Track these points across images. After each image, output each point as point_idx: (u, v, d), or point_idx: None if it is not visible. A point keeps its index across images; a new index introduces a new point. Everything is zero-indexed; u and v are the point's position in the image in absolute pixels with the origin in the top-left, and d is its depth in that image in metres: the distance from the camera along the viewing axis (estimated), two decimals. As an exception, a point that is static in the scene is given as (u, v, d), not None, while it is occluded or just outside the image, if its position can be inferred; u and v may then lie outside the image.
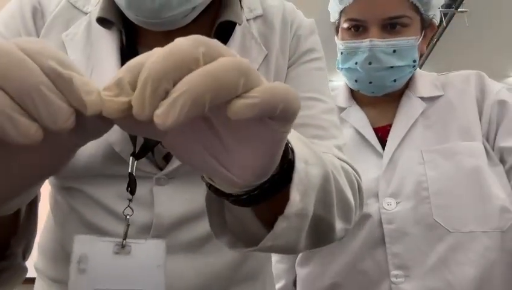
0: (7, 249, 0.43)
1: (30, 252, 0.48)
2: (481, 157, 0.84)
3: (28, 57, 0.22)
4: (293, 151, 0.36)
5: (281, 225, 0.37)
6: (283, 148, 0.31)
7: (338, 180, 0.47)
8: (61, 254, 0.59)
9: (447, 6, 3.52)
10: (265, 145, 0.28)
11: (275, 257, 1.01)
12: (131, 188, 0.45)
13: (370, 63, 0.90)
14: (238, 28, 0.58)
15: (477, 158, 0.83)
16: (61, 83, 0.23)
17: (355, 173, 0.56)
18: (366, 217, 0.85)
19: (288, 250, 0.43)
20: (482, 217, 0.80)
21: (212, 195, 0.37)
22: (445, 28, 3.68)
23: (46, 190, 0.55)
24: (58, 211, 0.60)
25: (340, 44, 0.95)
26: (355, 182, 0.54)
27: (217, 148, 0.28)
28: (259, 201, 0.35)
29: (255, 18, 0.63)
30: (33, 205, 0.45)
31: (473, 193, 0.81)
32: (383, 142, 0.91)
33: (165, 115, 0.22)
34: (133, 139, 0.50)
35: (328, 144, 0.56)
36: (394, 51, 0.89)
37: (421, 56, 0.97)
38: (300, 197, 0.37)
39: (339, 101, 1.01)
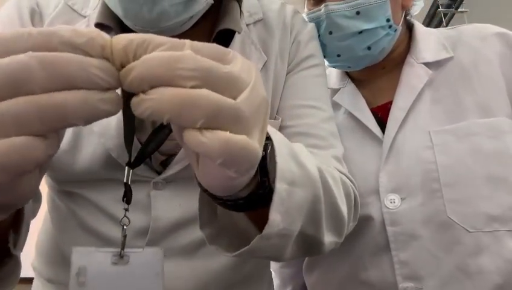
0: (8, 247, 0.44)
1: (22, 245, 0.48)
2: (506, 136, 0.69)
3: (58, 53, 0.24)
4: (274, 173, 0.37)
5: (259, 243, 0.38)
6: (244, 182, 0.32)
7: (334, 194, 0.49)
8: (57, 256, 0.60)
9: (447, 6, 3.52)
10: (219, 179, 0.30)
11: (279, 262, 0.96)
12: (127, 197, 0.46)
13: (331, 33, 0.76)
14: (237, 35, 0.59)
15: (500, 138, 0.69)
16: (90, 48, 0.25)
17: (352, 186, 0.56)
18: (367, 219, 0.73)
19: (271, 259, 0.44)
20: (508, 212, 0.66)
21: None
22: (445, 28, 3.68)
23: (44, 192, 0.56)
24: (55, 213, 0.62)
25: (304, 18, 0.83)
26: (352, 195, 0.56)
27: (197, 156, 0.31)
28: (237, 210, 0.37)
29: (255, 22, 0.64)
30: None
31: (496, 182, 0.67)
32: (383, 125, 0.78)
33: (135, 105, 0.25)
34: (129, 147, 0.51)
35: (326, 154, 0.57)
36: (358, 13, 0.74)
37: (406, 14, 0.83)
38: (281, 218, 0.38)
39: (332, 83, 0.89)
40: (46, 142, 0.24)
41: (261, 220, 0.39)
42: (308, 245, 0.48)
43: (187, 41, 0.27)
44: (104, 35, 0.25)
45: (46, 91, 0.23)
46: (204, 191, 0.36)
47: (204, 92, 0.25)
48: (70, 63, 0.24)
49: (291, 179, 0.39)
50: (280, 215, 0.37)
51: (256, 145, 0.28)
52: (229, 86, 0.26)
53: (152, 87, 0.25)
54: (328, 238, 0.50)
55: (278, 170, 0.37)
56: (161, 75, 0.25)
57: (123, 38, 0.26)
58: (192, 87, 0.25)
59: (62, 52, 0.24)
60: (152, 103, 0.25)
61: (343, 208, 0.51)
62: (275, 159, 0.37)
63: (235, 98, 0.26)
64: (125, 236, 0.38)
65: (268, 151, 0.37)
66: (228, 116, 0.26)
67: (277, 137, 0.39)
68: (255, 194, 0.36)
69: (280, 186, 0.37)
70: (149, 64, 0.25)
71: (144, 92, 0.25)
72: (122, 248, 0.37)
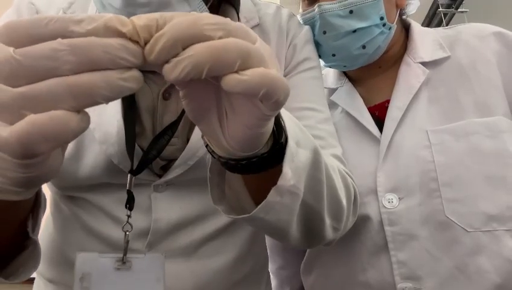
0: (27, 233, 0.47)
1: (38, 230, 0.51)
2: (504, 135, 0.69)
3: (84, 38, 0.26)
4: (285, 132, 0.39)
5: (274, 197, 0.39)
6: (269, 130, 0.35)
7: (332, 178, 0.50)
8: (58, 257, 0.61)
9: (447, 6, 3.52)
10: (252, 122, 0.32)
11: (277, 263, 0.96)
12: (130, 206, 0.47)
13: (325, 32, 0.76)
14: None
15: (498, 137, 0.68)
16: (106, 31, 0.26)
17: (352, 182, 0.57)
18: (365, 219, 0.72)
19: (280, 233, 0.45)
20: (506, 211, 0.66)
21: (214, 168, 0.42)
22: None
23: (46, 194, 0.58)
24: (58, 215, 0.63)
25: (299, 20, 0.82)
26: (352, 189, 0.56)
27: (221, 112, 0.33)
28: (246, 171, 0.38)
29: (252, 28, 0.65)
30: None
31: (494, 181, 0.67)
32: (381, 124, 0.77)
33: (170, 70, 0.27)
34: (131, 155, 0.52)
35: (325, 153, 0.58)
36: (351, 12, 0.74)
37: (402, 14, 0.84)
38: (292, 174, 0.39)
39: (329, 82, 0.89)
40: (79, 116, 0.27)
41: (263, 197, 0.40)
42: (311, 221, 0.49)
43: (193, 12, 0.29)
44: (122, 17, 0.27)
45: (75, 73, 0.26)
46: (218, 158, 0.37)
47: (232, 39, 0.28)
48: (95, 47, 0.25)
49: (297, 139, 0.40)
50: (291, 171, 0.39)
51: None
52: (245, 35, 0.29)
53: (183, 48, 0.27)
54: (328, 220, 0.51)
55: (287, 128, 0.39)
56: (191, 33, 0.27)
57: (143, 16, 0.27)
58: (219, 38, 0.27)
59: (87, 38, 0.26)
60: (191, 58, 0.26)
61: (341, 195, 0.52)
62: (280, 121, 0.39)
63: (253, 43, 0.29)
64: (127, 242, 0.39)
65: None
66: (256, 56, 0.28)
67: None
68: (271, 150, 0.37)
69: (291, 143, 0.39)
70: (177, 27, 0.27)
71: (174, 56, 0.27)
72: (125, 254, 0.39)
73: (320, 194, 0.47)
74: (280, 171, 0.38)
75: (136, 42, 0.27)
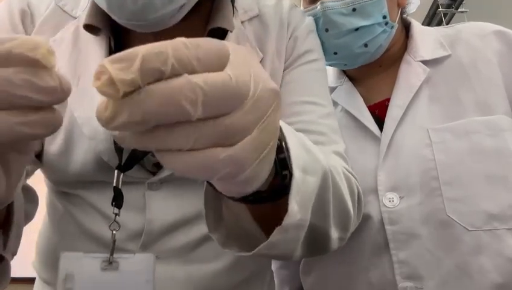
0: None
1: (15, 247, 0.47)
2: (505, 133, 0.69)
3: None
4: (290, 161, 0.35)
5: (278, 236, 0.37)
6: (271, 165, 0.31)
7: (339, 186, 0.48)
8: (54, 258, 0.60)
9: (447, 6, 3.51)
10: (234, 186, 0.29)
11: (277, 263, 0.94)
12: (117, 203, 0.45)
13: (327, 30, 0.76)
14: (231, 33, 0.58)
15: (499, 136, 0.68)
16: (11, 59, 0.21)
17: (356, 182, 0.55)
18: (366, 218, 0.71)
19: (283, 258, 0.43)
20: (508, 210, 0.66)
21: (209, 190, 0.39)
22: (445, 28, 3.67)
23: (45, 193, 0.56)
24: (53, 215, 0.62)
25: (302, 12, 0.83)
26: (356, 191, 0.55)
27: None
28: (250, 203, 0.35)
29: (250, 19, 0.63)
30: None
31: (495, 180, 0.67)
32: (381, 122, 0.77)
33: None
34: (119, 151, 0.50)
35: (327, 150, 0.56)
36: (354, 10, 0.75)
37: (402, 12, 0.84)
38: (298, 208, 0.36)
39: (329, 81, 0.88)
40: None
41: (266, 220, 0.38)
42: (317, 240, 0.47)
43: (183, 39, 0.24)
44: (35, 39, 0.22)
45: None
46: (214, 189, 0.35)
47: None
48: None
49: (303, 166, 0.37)
50: (297, 206, 0.36)
51: (244, 155, 0.26)
52: (212, 60, 0.24)
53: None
54: (335, 234, 0.49)
55: (292, 155, 0.35)
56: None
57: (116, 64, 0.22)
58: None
59: None
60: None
61: (348, 202, 0.50)
62: (286, 147, 0.36)
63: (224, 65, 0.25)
64: (114, 241, 0.38)
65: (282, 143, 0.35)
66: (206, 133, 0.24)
67: (283, 124, 0.37)
68: (276, 184, 0.35)
69: (297, 175, 0.35)
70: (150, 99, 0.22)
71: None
72: (111, 254, 0.37)
73: (326, 212, 0.45)
74: (286, 198, 0.35)
75: (51, 70, 0.21)
